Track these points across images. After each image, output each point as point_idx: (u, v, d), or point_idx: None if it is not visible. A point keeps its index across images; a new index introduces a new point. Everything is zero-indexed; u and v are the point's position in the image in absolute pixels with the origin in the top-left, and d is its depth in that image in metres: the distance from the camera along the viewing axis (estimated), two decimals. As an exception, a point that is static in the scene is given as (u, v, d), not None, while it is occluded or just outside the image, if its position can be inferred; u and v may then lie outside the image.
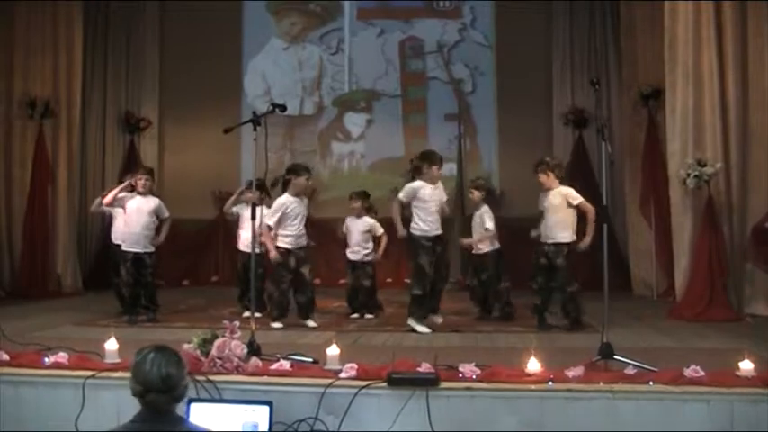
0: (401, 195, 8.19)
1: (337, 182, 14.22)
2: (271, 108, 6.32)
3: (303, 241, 8.48)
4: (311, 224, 9.33)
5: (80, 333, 7.54)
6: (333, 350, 5.43)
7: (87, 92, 13.44)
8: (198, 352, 5.25)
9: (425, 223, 8.00)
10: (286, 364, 5.35)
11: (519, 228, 10.07)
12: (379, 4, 14.99)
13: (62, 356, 5.52)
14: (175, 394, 3.49)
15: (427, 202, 8.05)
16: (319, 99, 14.91)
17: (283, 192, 8.58)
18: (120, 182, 9.41)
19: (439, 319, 8.37)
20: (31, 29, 11.98)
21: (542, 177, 8.18)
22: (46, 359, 5.50)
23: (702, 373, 4.97)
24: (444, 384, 5.00)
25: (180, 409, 3.71)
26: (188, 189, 13.20)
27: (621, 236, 12.42)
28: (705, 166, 8.88)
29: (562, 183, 8.23)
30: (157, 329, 8.11)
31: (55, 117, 12.08)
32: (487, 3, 14.61)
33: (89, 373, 5.26)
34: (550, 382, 4.98)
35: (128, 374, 4.75)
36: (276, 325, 8.10)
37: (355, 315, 9.18)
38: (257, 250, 6.94)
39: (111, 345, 5.59)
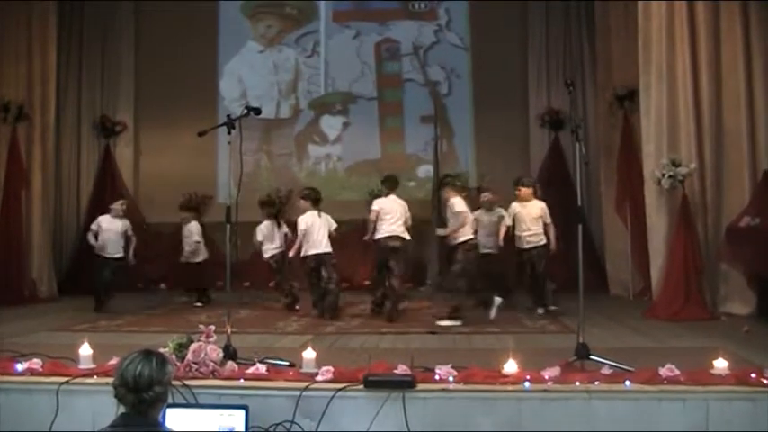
0: None
1: (314, 184, 14.12)
2: (245, 111, 6.28)
3: None
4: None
5: (55, 339, 7.49)
6: (309, 353, 5.41)
7: (62, 96, 13.34)
8: (173, 356, 5.21)
9: None
10: (262, 368, 5.34)
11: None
12: (355, 6, 14.98)
13: (36, 363, 5.48)
14: (144, 396, 3.46)
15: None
16: (295, 102, 14.88)
17: None
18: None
19: None
20: (5, 32, 11.81)
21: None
22: (18, 366, 5.46)
23: (678, 372, 5.01)
24: (421, 386, 5.00)
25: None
26: (164, 193, 13.11)
27: (597, 236, 12.48)
28: (679, 166, 8.95)
29: None
30: (134, 334, 8.07)
31: (29, 121, 11.93)
32: (463, 4, 14.65)
33: (63, 379, 5.22)
34: (527, 383, 4.99)
35: (103, 380, 4.75)
36: None
37: None
38: None
39: (86, 350, 5.54)
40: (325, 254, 9.45)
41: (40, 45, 12.11)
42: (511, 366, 5.15)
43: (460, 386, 5.02)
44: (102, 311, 9.85)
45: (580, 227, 5.98)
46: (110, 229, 10.39)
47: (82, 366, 5.45)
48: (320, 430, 4.91)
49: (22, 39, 11.94)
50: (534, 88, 13.99)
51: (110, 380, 3.64)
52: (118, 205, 10.62)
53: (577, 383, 4.99)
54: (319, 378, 5.13)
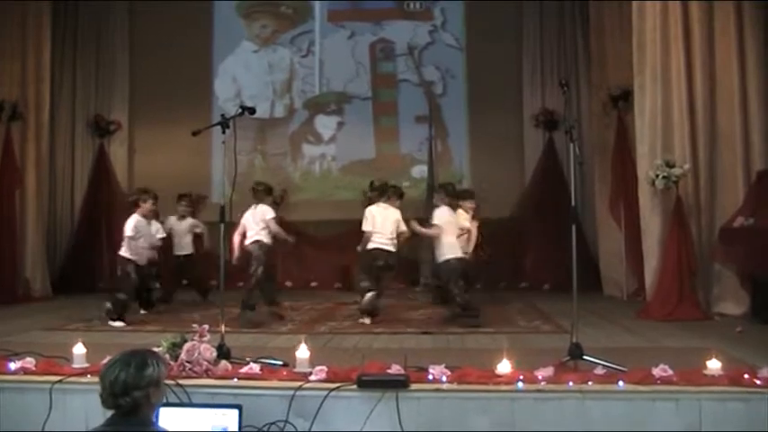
0: None
1: (308, 184, 14.22)
2: (239, 110, 6.28)
3: None
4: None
5: (48, 338, 7.47)
6: (303, 353, 5.41)
7: (56, 95, 13.32)
8: (167, 356, 5.20)
9: None
10: (256, 368, 5.33)
11: (489, 229, 10.16)
12: (350, 6, 14.98)
13: (29, 362, 5.47)
14: (121, 401, 3.43)
15: None
16: (290, 102, 14.87)
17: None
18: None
19: None
20: (-1, 31, 11.85)
21: None
22: (11, 365, 5.45)
23: (671, 373, 5.01)
24: (414, 386, 5.00)
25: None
26: (158, 192, 13.07)
27: (591, 236, 12.48)
28: (673, 167, 8.95)
29: None
30: (127, 334, 8.05)
31: (23, 120, 11.91)
32: (458, 5, 14.65)
33: (56, 378, 5.22)
34: (520, 383, 4.99)
35: (96, 379, 4.73)
36: None
37: None
38: None
39: (79, 349, 5.53)
40: None
41: (35, 44, 12.09)
42: (504, 366, 5.15)
43: (454, 386, 5.02)
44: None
45: (574, 227, 5.99)
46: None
47: (75, 365, 5.44)
48: (313, 430, 4.91)
49: (17, 37, 11.92)
50: (529, 88, 14.02)
51: (101, 379, 3.64)
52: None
53: (571, 384, 4.99)
54: (313, 378, 5.13)
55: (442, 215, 8.91)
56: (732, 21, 9.22)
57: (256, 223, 9.19)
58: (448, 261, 8.76)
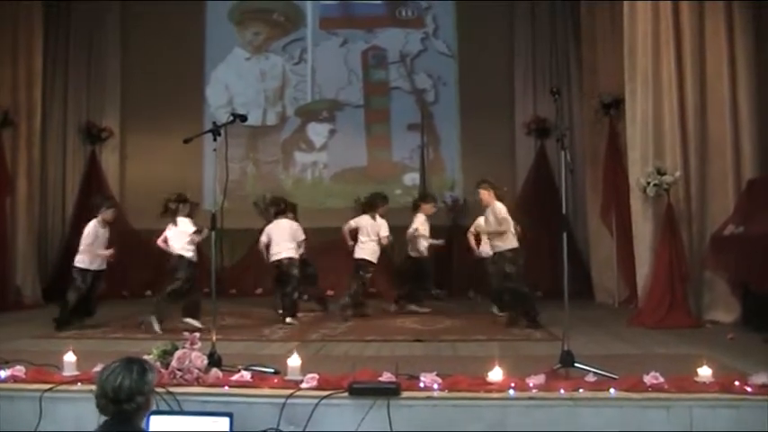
0: None
1: (300, 192, 14.17)
2: (231, 118, 6.28)
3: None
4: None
5: (39, 346, 7.43)
6: (294, 360, 5.40)
7: (48, 101, 13.31)
8: (158, 363, 5.19)
9: None
10: (247, 375, 5.32)
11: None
12: (342, 13, 14.99)
13: (19, 370, 5.45)
14: (125, 407, 3.46)
15: None
16: (282, 109, 14.87)
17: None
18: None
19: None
20: (-9, 37, 11.82)
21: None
22: (1, 373, 5.43)
23: (662, 380, 5.02)
24: (406, 394, 4.99)
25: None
26: (150, 199, 13.01)
27: (583, 244, 12.49)
28: (665, 174, 8.98)
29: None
30: (120, 341, 8.02)
31: (14, 127, 11.90)
32: (450, 12, 14.67)
33: (47, 386, 5.20)
34: (512, 391, 4.99)
35: (87, 387, 4.72)
36: None
37: None
38: None
39: (70, 357, 5.52)
40: None
41: (26, 49, 12.08)
42: (496, 374, 5.15)
43: (445, 394, 5.02)
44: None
45: (565, 235, 6.00)
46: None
47: (66, 373, 5.42)
48: (305, 437, 4.91)
49: (8, 43, 11.91)
50: (521, 96, 14.04)
51: (93, 387, 3.62)
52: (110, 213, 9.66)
53: (562, 391, 5.00)
54: (304, 385, 5.12)
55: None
56: (722, 23, 9.25)
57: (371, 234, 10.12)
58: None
